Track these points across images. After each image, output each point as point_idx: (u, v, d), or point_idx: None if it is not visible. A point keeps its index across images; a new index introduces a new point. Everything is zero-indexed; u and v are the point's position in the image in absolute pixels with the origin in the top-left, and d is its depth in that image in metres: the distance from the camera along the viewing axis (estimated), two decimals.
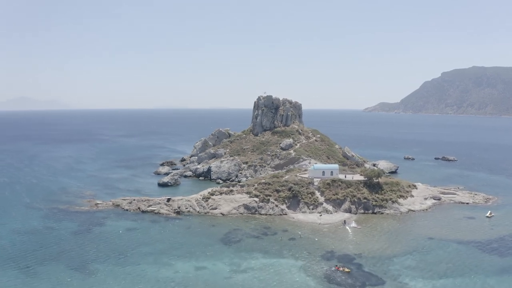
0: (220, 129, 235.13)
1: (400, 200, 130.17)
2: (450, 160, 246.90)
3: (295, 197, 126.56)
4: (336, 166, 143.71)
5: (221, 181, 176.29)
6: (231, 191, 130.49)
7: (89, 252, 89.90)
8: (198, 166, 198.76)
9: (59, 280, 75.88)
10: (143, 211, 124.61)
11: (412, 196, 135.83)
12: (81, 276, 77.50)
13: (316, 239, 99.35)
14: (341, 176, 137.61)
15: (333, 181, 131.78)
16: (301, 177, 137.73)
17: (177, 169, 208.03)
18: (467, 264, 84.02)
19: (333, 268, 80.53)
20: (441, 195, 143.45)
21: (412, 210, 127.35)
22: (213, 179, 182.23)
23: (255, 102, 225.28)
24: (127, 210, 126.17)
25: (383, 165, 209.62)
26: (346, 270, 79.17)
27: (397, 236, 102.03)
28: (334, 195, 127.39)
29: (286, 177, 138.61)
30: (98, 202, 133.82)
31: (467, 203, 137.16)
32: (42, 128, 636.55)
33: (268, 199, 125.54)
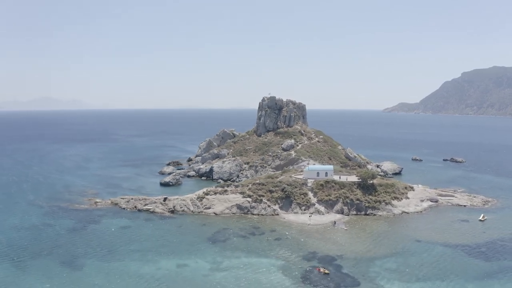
0: (225, 129, 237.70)
1: (394, 202, 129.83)
2: (458, 162, 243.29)
3: (288, 198, 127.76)
4: (330, 167, 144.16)
5: (222, 181, 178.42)
6: (225, 191, 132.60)
7: (80, 248, 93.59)
8: (201, 166, 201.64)
9: (47, 273, 79.62)
10: (139, 210, 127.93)
11: (407, 198, 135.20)
12: (67, 270, 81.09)
13: (302, 240, 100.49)
14: (336, 177, 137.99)
15: (327, 182, 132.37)
16: (296, 178, 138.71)
17: (182, 169, 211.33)
18: (449, 268, 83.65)
19: (314, 269, 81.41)
20: (439, 197, 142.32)
21: (406, 212, 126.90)
22: (214, 179, 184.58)
23: (259, 103, 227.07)
24: (124, 208, 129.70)
25: (387, 166, 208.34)
26: (326, 271, 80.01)
27: (384, 238, 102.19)
28: (326, 196, 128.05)
29: (281, 177, 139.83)
30: (98, 200, 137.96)
31: (464, 206, 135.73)
32: (59, 128, 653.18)
33: (261, 200, 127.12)
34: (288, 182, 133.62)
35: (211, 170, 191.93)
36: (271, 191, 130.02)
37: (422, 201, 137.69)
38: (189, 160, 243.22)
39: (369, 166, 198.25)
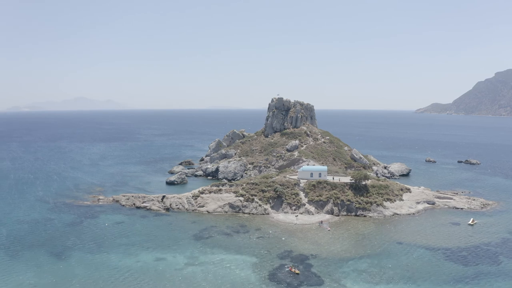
0: (235, 130, 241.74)
1: (387, 204, 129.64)
2: (473, 164, 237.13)
3: (279, 198, 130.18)
4: (324, 168, 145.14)
5: (226, 181, 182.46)
6: (220, 190, 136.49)
7: (71, 240, 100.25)
8: (208, 166, 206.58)
9: (35, 262, 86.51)
10: (137, 207, 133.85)
11: (401, 199, 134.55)
12: (54, 260, 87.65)
13: (283, 239, 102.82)
14: (329, 178, 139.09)
15: (319, 183, 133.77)
16: (290, 178, 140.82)
17: (192, 168, 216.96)
18: (422, 271, 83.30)
19: (284, 268, 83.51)
20: (436, 200, 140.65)
21: (398, 214, 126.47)
22: (220, 178, 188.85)
23: (269, 104, 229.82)
24: (124, 205, 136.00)
25: (395, 167, 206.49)
26: (296, 271, 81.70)
27: (366, 239, 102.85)
28: (317, 196, 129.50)
29: (276, 178, 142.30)
30: (100, 197, 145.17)
31: (461, 209, 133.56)
32: (87, 127, 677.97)
33: (253, 199, 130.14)
34: (281, 182, 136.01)
35: (217, 170, 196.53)
36: (263, 191, 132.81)
37: (418, 203, 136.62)
38: (201, 160, 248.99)
39: (374, 167, 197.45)
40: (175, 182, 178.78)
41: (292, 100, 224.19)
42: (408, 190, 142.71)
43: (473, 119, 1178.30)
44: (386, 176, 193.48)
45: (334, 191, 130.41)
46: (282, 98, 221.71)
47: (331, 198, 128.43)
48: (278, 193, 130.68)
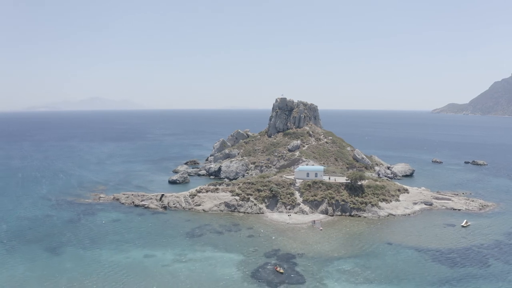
0: (239, 130, 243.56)
1: (382, 204, 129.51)
2: (479, 165, 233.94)
3: (274, 197, 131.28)
4: (320, 168, 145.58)
5: (228, 180, 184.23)
6: (217, 189, 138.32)
7: (66, 237, 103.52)
8: (212, 166, 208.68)
9: (29, 257, 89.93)
10: (136, 205, 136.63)
11: (398, 200, 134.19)
12: (47, 255, 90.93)
13: (273, 238, 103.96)
14: (326, 178, 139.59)
15: (314, 182, 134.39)
16: (287, 178, 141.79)
17: (196, 168, 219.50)
18: (407, 272, 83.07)
19: (268, 266, 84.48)
20: (434, 201, 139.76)
21: (393, 215, 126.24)
22: (222, 178, 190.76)
23: (273, 104, 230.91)
24: (123, 203, 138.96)
25: (398, 168, 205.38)
26: (280, 271, 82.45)
27: (356, 239, 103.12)
28: (312, 196, 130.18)
29: (273, 177, 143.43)
30: (101, 195, 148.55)
31: (459, 210, 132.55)
32: (100, 127, 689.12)
33: (248, 198, 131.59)
34: (277, 182, 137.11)
35: (219, 169, 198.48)
36: (259, 190, 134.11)
37: (415, 204, 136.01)
38: (207, 159, 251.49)
39: (377, 168, 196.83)
40: (177, 181, 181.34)
41: (295, 100, 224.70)
42: (406, 190, 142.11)
43: (489, 120, 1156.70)
44: (388, 177, 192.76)
45: (329, 191, 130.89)
46: (285, 99, 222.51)
47: (325, 198, 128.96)
48: (273, 192, 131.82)
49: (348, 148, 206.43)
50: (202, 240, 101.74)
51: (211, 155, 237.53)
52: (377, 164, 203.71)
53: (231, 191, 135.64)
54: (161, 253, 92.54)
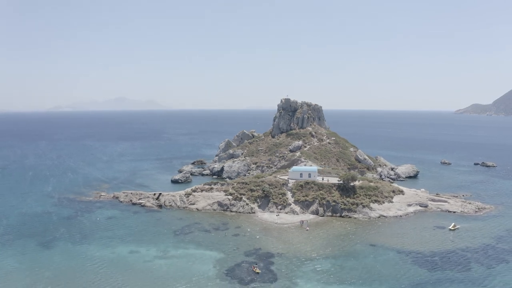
0: (244, 130, 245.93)
1: (374, 205, 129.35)
2: (489, 166, 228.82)
3: (267, 197, 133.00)
4: (314, 168, 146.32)
5: (229, 180, 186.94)
6: (211, 188, 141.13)
7: (60, 232, 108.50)
8: (215, 166, 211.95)
9: (22, 250, 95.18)
10: (133, 203, 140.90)
11: (391, 201, 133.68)
12: (39, 249, 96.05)
13: (258, 237, 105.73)
14: (319, 179, 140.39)
15: (307, 183, 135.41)
16: (281, 178, 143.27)
17: (201, 168, 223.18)
18: (383, 274, 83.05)
19: (245, 265, 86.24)
20: (430, 202, 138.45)
21: (384, 216, 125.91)
22: (224, 178, 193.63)
23: (277, 105, 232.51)
24: (122, 202, 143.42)
25: (402, 169, 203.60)
26: (257, 270, 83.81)
27: (339, 240, 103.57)
28: (304, 196, 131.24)
29: (267, 177, 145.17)
30: (102, 193, 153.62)
31: (454, 212, 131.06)
32: (119, 126, 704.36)
33: (241, 198, 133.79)
34: (270, 182, 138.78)
35: (222, 169, 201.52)
36: (252, 190, 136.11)
37: (409, 205, 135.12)
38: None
39: (379, 169, 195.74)
40: (179, 181, 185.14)
41: (299, 101, 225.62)
42: (401, 192, 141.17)
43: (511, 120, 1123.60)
44: (391, 178, 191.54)
45: (321, 191, 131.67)
46: (289, 99, 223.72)
47: (317, 199, 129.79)
48: (265, 192, 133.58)
49: (351, 149, 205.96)
50: (188, 238, 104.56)
51: (216, 155, 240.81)
52: (380, 165, 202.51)
53: (225, 191, 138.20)
54: (146, 250, 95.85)
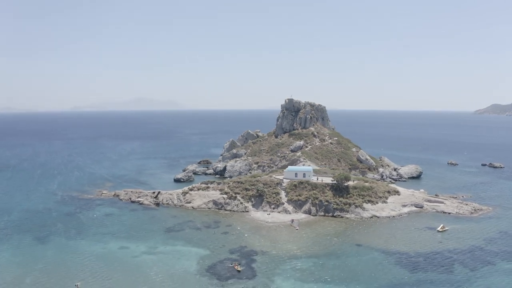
0: (249, 130, 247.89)
1: (367, 205, 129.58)
2: (496, 167, 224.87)
3: (261, 196, 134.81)
4: (309, 168, 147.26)
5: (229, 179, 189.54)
6: (208, 187, 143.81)
7: (56, 227, 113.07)
8: (218, 165, 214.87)
9: (17, 244, 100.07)
10: (132, 201, 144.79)
11: (385, 202, 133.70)
12: (34, 243, 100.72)
13: (246, 235, 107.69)
14: (314, 179, 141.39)
15: (300, 182, 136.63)
16: (276, 178, 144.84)
17: (205, 167, 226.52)
18: (363, 273, 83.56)
19: (230, 265, 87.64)
20: (425, 203, 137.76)
21: (377, 216, 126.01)
22: (226, 177, 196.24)
23: (281, 105, 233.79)
24: (121, 199, 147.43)
25: (405, 170, 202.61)
26: (238, 268, 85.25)
27: (326, 240, 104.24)
28: (297, 196, 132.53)
29: (263, 177, 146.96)
30: (104, 191, 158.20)
31: (449, 213, 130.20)
32: (135, 126, 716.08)
33: (236, 197, 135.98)
34: (264, 182, 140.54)
35: (224, 168, 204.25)
36: (246, 189, 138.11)
37: (404, 206, 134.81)
38: None
39: (380, 169, 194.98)
40: (182, 180, 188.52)
41: (303, 101, 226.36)
42: (397, 192, 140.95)
43: None
44: (393, 178, 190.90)
45: (314, 191, 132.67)
46: (292, 99, 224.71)
47: (309, 198, 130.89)
48: (259, 192, 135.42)
49: (353, 149, 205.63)
50: (178, 235, 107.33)
51: (221, 155, 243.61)
52: (382, 166, 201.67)
53: (220, 190, 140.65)
54: (135, 245, 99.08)
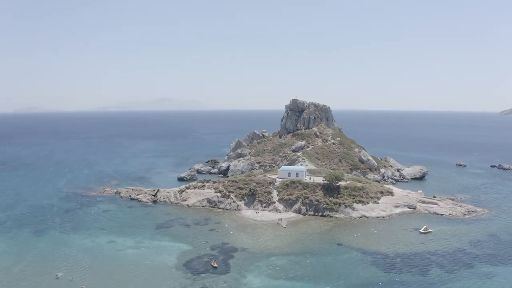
0: (255, 131, 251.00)
1: (358, 205, 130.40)
2: (505, 169, 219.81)
3: (253, 195, 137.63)
4: (303, 168, 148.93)
5: None
6: (203, 186, 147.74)
7: (54, 222, 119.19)
8: (223, 165, 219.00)
9: (14, 236, 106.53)
10: (132, 199, 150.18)
11: (376, 202, 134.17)
12: (30, 236, 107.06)
13: (231, 233, 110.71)
14: (307, 178, 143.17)
15: (292, 182, 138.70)
16: (270, 177, 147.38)
17: (210, 166, 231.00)
18: (336, 272, 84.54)
19: (207, 259, 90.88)
20: (419, 204, 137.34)
21: (366, 217, 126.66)
22: (228, 176, 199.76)
23: (285, 105, 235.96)
24: (122, 197, 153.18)
25: (408, 171, 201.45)
26: (215, 265, 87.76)
27: (309, 238, 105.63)
28: (288, 195, 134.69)
29: (258, 176, 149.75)
30: (106, 189, 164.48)
31: (441, 215, 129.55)
32: (157, 126, 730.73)
33: (229, 195, 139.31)
34: (258, 181, 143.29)
35: (228, 168, 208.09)
36: (240, 188, 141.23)
37: (396, 206, 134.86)
38: None
39: (382, 170, 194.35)
40: (185, 179, 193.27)
41: (307, 102, 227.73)
42: (390, 193, 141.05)
43: None
44: (395, 179, 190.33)
45: (305, 190, 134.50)
46: (296, 100, 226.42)
47: (300, 198, 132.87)
48: (252, 191, 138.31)
49: (356, 150, 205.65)
50: (166, 231, 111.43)
51: (226, 155, 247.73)
52: (385, 166, 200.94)
53: (215, 188, 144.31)
54: (123, 240, 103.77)
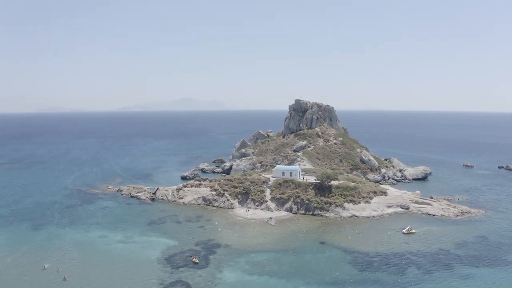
0: (260, 131, 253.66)
1: (348, 205, 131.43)
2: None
3: (247, 194, 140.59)
4: (296, 167, 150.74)
5: None
6: (200, 184, 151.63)
7: (53, 217, 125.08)
8: (227, 164, 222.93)
9: (13, 229, 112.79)
10: (131, 196, 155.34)
11: (368, 202, 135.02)
12: (28, 230, 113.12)
13: (219, 230, 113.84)
14: (301, 178, 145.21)
15: (285, 181, 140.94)
16: (265, 176, 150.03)
17: (215, 166, 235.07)
18: (311, 269, 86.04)
19: (189, 255, 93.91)
20: (412, 205, 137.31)
21: (356, 216, 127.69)
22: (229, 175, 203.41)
23: (289, 106, 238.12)
24: (122, 194, 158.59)
25: (410, 171, 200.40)
26: (196, 261, 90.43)
27: (293, 236, 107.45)
28: (280, 194, 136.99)
29: (253, 175, 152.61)
30: (109, 187, 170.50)
31: (433, 215, 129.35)
32: (176, 126, 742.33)
33: (224, 194, 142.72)
34: (252, 180, 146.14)
35: (231, 167, 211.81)
36: (235, 187, 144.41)
37: (389, 207, 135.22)
38: None
39: (383, 170, 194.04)
40: (188, 177, 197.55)
41: (310, 102, 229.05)
42: (384, 193, 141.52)
43: None
44: (396, 179, 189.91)
45: (297, 189, 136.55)
46: (299, 100, 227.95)
47: (291, 197, 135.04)
48: (245, 189, 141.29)
49: (358, 150, 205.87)
50: (157, 228, 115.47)
51: (231, 154, 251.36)
52: (387, 166, 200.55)
53: (211, 187, 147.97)
54: (113, 235, 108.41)
